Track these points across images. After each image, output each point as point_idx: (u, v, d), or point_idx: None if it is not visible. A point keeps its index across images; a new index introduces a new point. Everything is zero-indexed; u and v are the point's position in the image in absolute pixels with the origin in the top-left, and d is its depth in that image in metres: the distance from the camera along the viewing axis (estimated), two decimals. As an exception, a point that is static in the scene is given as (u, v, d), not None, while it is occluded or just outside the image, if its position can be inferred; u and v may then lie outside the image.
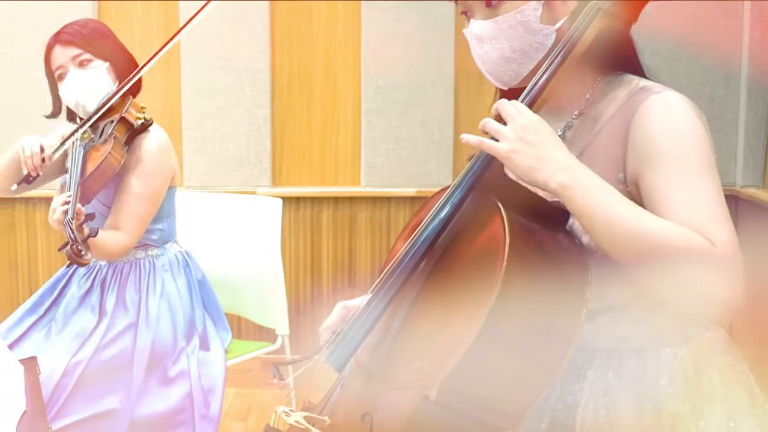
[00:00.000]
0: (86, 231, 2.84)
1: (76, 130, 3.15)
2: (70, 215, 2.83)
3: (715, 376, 1.92)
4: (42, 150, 3.11)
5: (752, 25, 4.48)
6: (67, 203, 2.88)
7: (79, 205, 2.88)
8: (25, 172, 3.10)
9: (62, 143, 3.14)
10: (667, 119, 1.80)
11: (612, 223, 1.65)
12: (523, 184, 1.78)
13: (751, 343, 4.18)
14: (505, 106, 1.76)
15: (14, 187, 3.28)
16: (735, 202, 4.50)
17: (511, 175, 1.86)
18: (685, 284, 1.62)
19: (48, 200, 4.32)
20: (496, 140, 1.73)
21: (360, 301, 2.12)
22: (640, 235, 1.64)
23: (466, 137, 1.77)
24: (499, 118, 1.76)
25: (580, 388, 1.93)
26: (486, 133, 1.76)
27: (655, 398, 1.89)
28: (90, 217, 2.90)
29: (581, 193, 1.67)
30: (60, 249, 2.81)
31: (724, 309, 1.62)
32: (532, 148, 1.70)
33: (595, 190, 1.68)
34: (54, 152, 3.12)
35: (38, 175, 3.14)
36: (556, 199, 1.81)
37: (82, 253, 2.81)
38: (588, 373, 1.93)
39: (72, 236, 2.80)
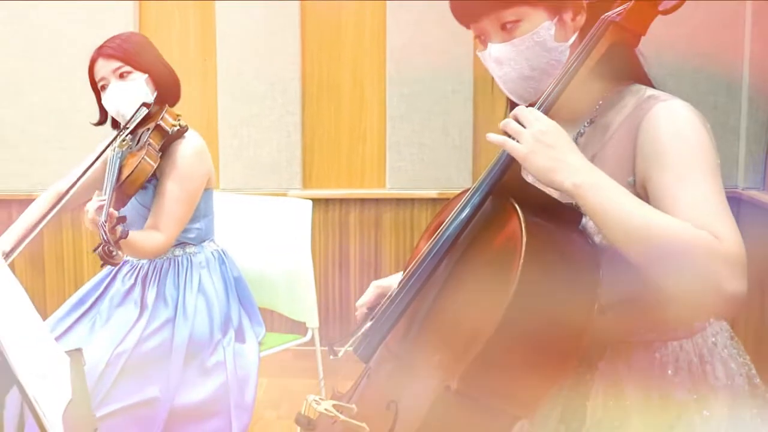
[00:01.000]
0: (118, 233, 2.83)
1: (114, 140, 3.19)
2: (103, 218, 2.81)
3: (718, 367, 1.92)
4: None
5: (753, 38, 4.47)
6: (101, 207, 2.88)
7: (111, 209, 2.87)
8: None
9: (101, 153, 3.17)
10: (673, 125, 1.80)
11: (623, 220, 1.65)
12: (540, 186, 1.79)
13: (752, 339, 4.18)
14: (524, 112, 1.77)
15: None
16: (737, 203, 4.48)
17: (528, 179, 1.88)
18: (693, 278, 1.60)
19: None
20: (517, 142, 1.74)
21: (392, 280, 2.15)
22: (650, 231, 1.64)
23: (491, 136, 1.79)
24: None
25: (592, 378, 1.93)
26: (506, 133, 1.78)
27: (662, 388, 1.89)
28: (122, 219, 2.88)
29: (594, 194, 1.67)
30: (94, 250, 2.83)
31: (730, 302, 1.59)
32: (550, 150, 1.71)
33: (607, 190, 1.68)
34: (91, 164, 3.15)
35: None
36: (570, 201, 1.82)
37: (113, 253, 2.80)
38: (599, 363, 1.93)
39: (105, 238, 2.79)
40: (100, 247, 2.79)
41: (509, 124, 1.77)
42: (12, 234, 3.36)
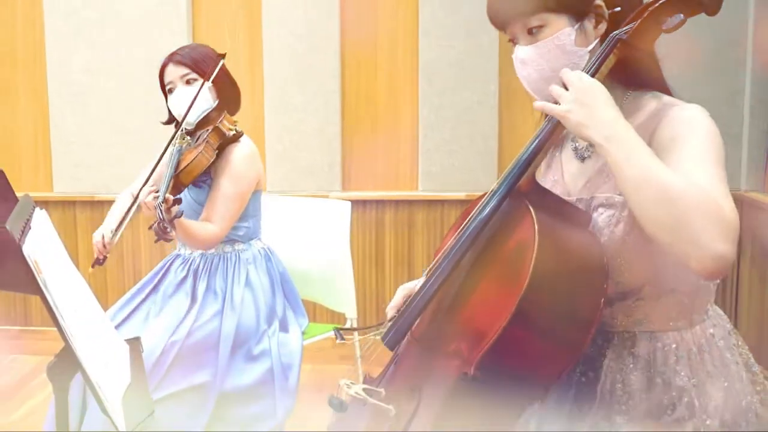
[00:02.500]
0: (173, 212, 2.91)
1: (174, 137, 3.25)
2: (160, 200, 2.90)
3: (716, 355, 1.92)
4: (103, 238, 3.20)
5: (754, 54, 4.45)
6: (155, 191, 2.97)
7: (168, 195, 2.95)
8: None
9: (162, 155, 3.22)
10: (689, 121, 1.82)
11: (642, 172, 1.66)
12: (553, 190, 1.79)
13: (754, 335, 4.15)
14: (568, 74, 1.80)
15: None
16: (740, 204, 4.43)
17: (545, 185, 1.90)
18: (695, 233, 1.60)
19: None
20: (558, 104, 1.77)
21: (416, 283, 2.16)
22: (664, 185, 1.63)
23: (537, 104, 1.83)
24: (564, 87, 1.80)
25: (601, 365, 1.94)
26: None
27: (664, 374, 1.89)
28: (178, 201, 2.97)
29: (618, 146, 1.69)
30: (150, 227, 2.89)
31: (717, 260, 1.59)
32: (585, 108, 1.73)
33: (631, 144, 1.69)
34: (155, 166, 3.25)
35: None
36: (581, 199, 1.87)
37: (168, 230, 2.88)
38: (607, 352, 1.94)
39: (160, 216, 2.87)
40: (156, 224, 2.88)
41: (554, 89, 1.80)
42: (108, 226, 3.38)
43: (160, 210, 2.88)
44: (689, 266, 1.61)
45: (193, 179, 3.22)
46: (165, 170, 3.25)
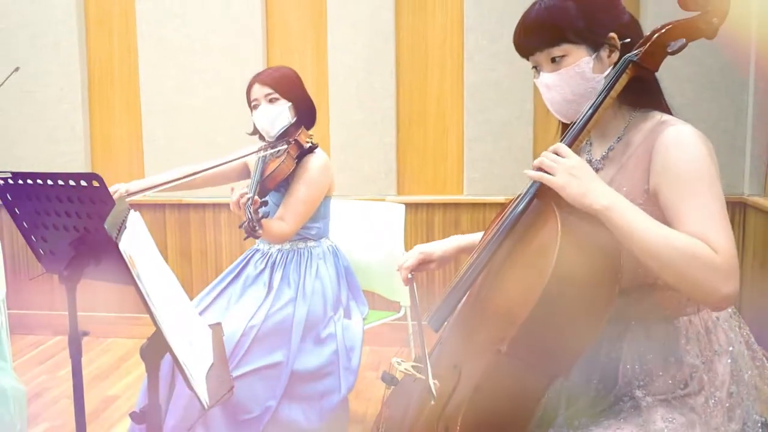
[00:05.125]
0: (261, 213, 2.97)
1: (263, 147, 3.30)
2: (249, 201, 2.96)
3: (721, 336, 1.92)
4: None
5: (756, 76, 4.41)
6: (245, 193, 2.99)
7: (256, 196, 3.00)
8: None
9: (240, 157, 3.33)
10: (678, 146, 1.81)
11: (640, 235, 1.68)
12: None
13: (756, 319, 4.10)
14: (559, 149, 1.82)
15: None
16: (743, 207, 4.42)
17: None
18: (695, 283, 1.64)
19: (228, 205, 4.40)
20: (551, 175, 1.79)
21: (434, 246, 2.30)
22: (660, 244, 1.66)
23: (530, 173, 1.85)
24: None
25: (620, 347, 1.94)
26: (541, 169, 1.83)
27: (676, 354, 1.89)
28: (264, 203, 3.04)
29: (616, 214, 1.70)
30: (240, 226, 2.95)
31: (724, 299, 1.64)
32: (578, 180, 1.75)
33: (626, 210, 1.71)
34: (226, 162, 3.34)
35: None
36: None
37: (256, 228, 2.96)
38: (626, 336, 1.94)
39: (249, 215, 2.94)
40: (246, 223, 2.96)
41: (544, 161, 1.81)
42: (141, 183, 3.43)
43: (249, 211, 2.94)
44: (706, 305, 1.65)
45: (276, 184, 3.26)
46: (226, 174, 3.42)
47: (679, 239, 1.67)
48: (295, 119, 3.37)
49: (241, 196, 2.99)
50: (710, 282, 1.63)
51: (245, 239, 3.04)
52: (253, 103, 3.36)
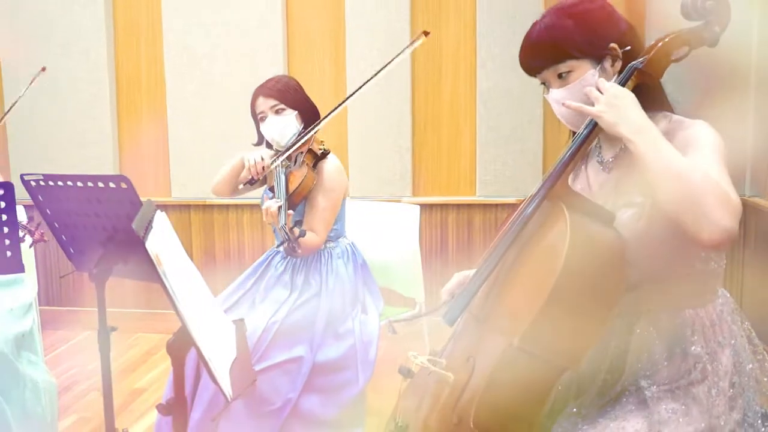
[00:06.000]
0: (296, 232, 2.93)
1: (279, 156, 3.23)
2: (283, 222, 2.94)
3: (725, 328, 1.93)
4: (263, 160, 3.22)
5: (757, 83, 4.40)
6: (279, 207, 3.00)
7: (290, 211, 2.99)
8: (249, 177, 3.24)
9: (272, 162, 3.23)
10: (701, 130, 1.85)
11: (665, 161, 1.69)
12: (583, 193, 1.79)
13: (757, 314, 4.08)
14: (603, 82, 1.84)
15: (241, 186, 3.44)
16: (744, 207, 4.38)
17: (575, 188, 1.91)
18: (708, 210, 1.62)
19: (250, 206, 4.35)
20: (592, 105, 1.81)
21: (471, 272, 2.18)
22: (683, 172, 1.67)
23: (574, 104, 1.86)
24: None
25: (629, 339, 1.94)
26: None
27: (682, 345, 1.90)
28: (299, 223, 3.03)
29: (645, 140, 1.72)
30: (277, 246, 2.94)
31: (723, 233, 1.62)
32: (615, 109, 1.77)
33: (656, 139, 1.73)
34: (271, 164, 3.23)
35: (258, 179, 3.26)
36: (607, 201, 1.88)
37: (296, 248, 2.93)
38: (634, 328, 1.94)
39: (287, 237, 2.92)
40: (286, 244, 2.94)
41: (592, 91, 1.83)
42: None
43: (286, 232, 2.92)
44: (700, 238, 1.64)
45: (302, 199, 3.24)
46: (264, 184, 3.38)
47: (700, 170, 1.68)
48: (302, 126, 3.35)
49: (279, 210, 3.00)
50: (718, 209, 1.63)
51: (285, 257, 3.00)
52: (259, 116, 3.35)
